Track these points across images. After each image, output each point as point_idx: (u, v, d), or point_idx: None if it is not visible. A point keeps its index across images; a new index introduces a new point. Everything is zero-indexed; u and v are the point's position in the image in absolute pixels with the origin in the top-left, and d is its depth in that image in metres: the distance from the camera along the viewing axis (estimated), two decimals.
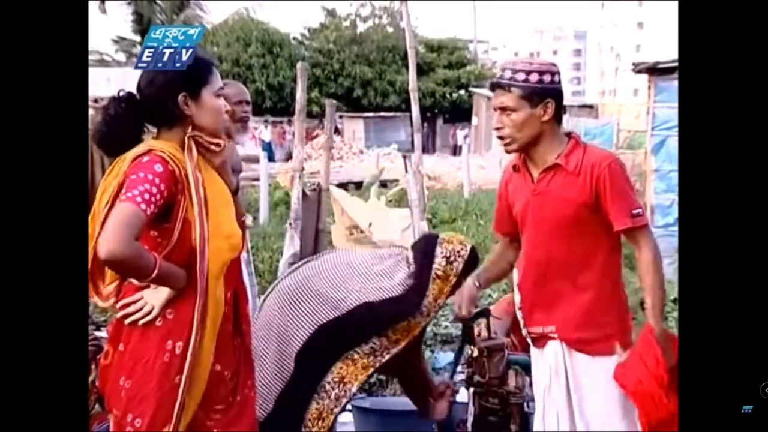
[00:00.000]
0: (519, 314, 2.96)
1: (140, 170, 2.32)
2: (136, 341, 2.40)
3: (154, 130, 2.51)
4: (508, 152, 2.88)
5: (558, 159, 2.78)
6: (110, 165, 2.44)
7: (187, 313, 2.37)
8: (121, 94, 2.47)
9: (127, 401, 2.38)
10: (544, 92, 2.74)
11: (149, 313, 2.38)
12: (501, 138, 2.82)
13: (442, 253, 3.19)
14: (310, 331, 3.11)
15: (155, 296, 2.39)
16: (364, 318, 3.10)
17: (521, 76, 2.74)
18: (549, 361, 2.87)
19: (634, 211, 2.74)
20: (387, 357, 3.14)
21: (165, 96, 2.42)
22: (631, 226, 2.73)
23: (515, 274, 2.99)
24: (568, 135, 2.86)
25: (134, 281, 2.41)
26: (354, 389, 3.14)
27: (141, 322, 2.39)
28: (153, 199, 2.29)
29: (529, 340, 2.98)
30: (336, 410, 3.11)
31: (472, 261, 3.24)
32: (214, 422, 2.47)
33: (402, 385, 3.67)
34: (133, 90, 2.49)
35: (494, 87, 2.81)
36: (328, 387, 3.10)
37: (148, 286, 2.40)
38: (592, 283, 2.79)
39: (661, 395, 2.65)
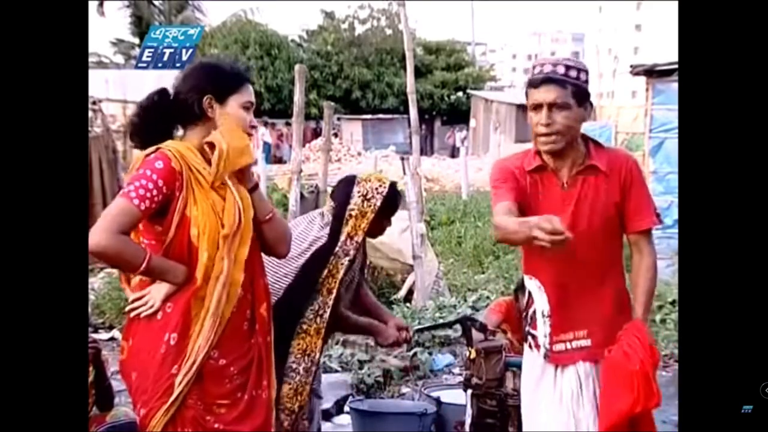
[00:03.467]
0: (545, 322, 2.79)
1: (142, 167, 2.41)
2: (141, 335, 2.49)
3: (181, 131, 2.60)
4: (549, 151, 2.70)
5: (591, 160, 2.72)
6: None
7: (183, 305, 2.45)
8: (157, 89, 2.59)
9: (135, 391, 2.49)
10: (587, 93, 2.71)
11: (151, 307, 2.47)
12: (548, 135, 2.67)
13: (359, 192, 3.20)
14: None
15: (158, 290, 2.47)
16: (297, 288, 3.11)
17: (574, 73, 2.67)
18: (577, 369, 2.77)
19: (657, 211, 2.75)
20: (329, 311, 3.14)
21: (192, 93, 2.52)
22: (654, 226, 2.73)
23: (531, 283, 2.83)
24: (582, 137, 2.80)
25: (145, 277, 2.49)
26: (317, 356, 3.16)
27: (143, 315, 2.47)
28: (149, 194, 2.37)
29: (541, 352, 2.80)
30: (309, 379, 3.12)
31: (392, 198, 3.25)
32: (215, 417, 2.49)
33: (341, 328, 3.61)
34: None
35: (546, 81, 2.66)
36: (294, 365, 3.12)
37: (155, 282, 2.48)
38: (615, 284, 2.78)
39: (655, 381, 2.63)
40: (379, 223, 3.24)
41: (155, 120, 2.54)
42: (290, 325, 3.13)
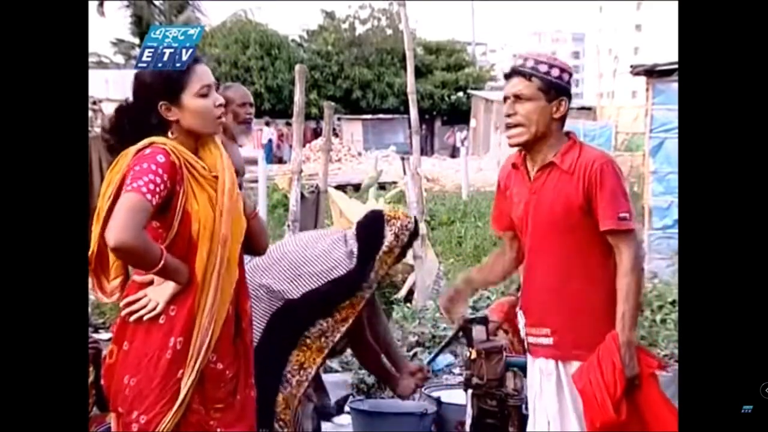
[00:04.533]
0: (520, 314, 2.95)
1: (143, 161, 2.34)
2: (140, 339, 2.41)
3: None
4: (514, 144, 2.80)
5: (554, 157, 2.75)
6: (109, 165, 2.46)
7: (187, 308, 2.40)
8: (124, 104, 2.52)
9: (133, 398, 2.40)
10: (560, 89, 2.73)
11: (154, 309, 2.40)
12: (510, 126, 2.76)
13: (390, 230, 3.29)
14: (262, 326, 3.17)
15: (159, 292, 2.41)
16: (306, 303, 3.18)
17: (544, 68, 2.71)
18: (540, 366, 2.87)
19: (621, 214, 2.68)
20: (338, 336, 3.22)
21: (147, 107, 2.45)
22: (615, 228, 2.68)
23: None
24: (567, 134, 2.83)
25: (137, 278, 2.44)
26: (313, 372, 3.22)
27: (146, 318, 2.40)
28: (157, 189, 2.32)
29: (525, 345, 2.97)
30: (299, 395, 3.19)
31: (415, 233, 3.37)
32: (216, 421, 2.48)
33: (361, 359, 3.75)
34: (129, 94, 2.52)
35: (513, 74, 2.76)
36: (288, 376, 3.18)
37: (151, 284, 2.42)
38: (587, 287, 2.76)
39: (605, 401, 2.62)
40: (400, 255, 3.35)
41: (128, 134, 2.47)
42: (292, 334, 3.18)
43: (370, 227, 3.33)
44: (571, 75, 2.78)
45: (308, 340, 3.19)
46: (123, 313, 2.46)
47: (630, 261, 2.69)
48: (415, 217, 3.43)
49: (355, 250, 3.26)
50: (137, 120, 2.47)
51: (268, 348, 3.12)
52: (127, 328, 2.45)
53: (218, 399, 2.48)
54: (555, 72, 2.72)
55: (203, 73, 2.49)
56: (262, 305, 3.19)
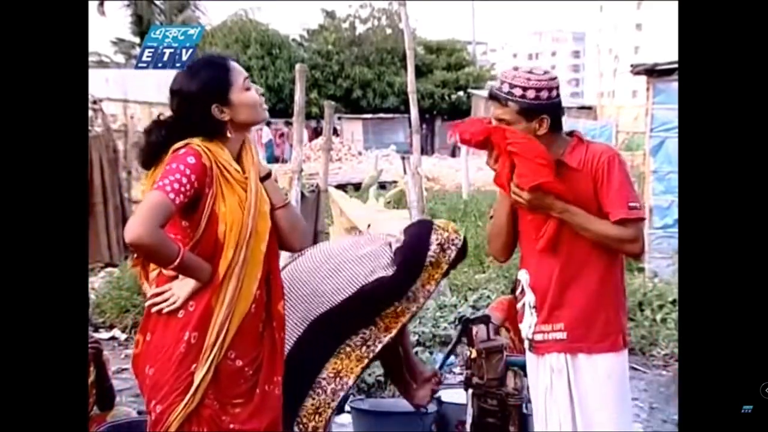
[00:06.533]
0: (532, 313, 2.91)
1: (174, 161, 2.41)
2: (160, 331, 2.48)
3: None
4: None
5: (561, 156, 2.79)
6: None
7: (204, 304, 2.45)
8: (161, 119, 2.55)
9: (150, 388, 2.48)
10: (540, 108, 2.74)
11: (174, 303, 2.46)
12: None
13: (436, 240, 3.19)
14: (302, 328, 3.11)
15: (182, 287, 2.47)
16: (352, 308, 3.10)
17: (518, 92, 2.73)
18: (550, 362, 2.86)
19: (631, 203, 2.75)
20: (379, 346, 3.14)
21: (199, 114, 2.48)
22: (626, 217, 2.73)
23: (523, 275, 2.94)
24: (571, 134, 2.86)
25: (165, 271, 2.49)
26: (350, 382, 3.14)
27: (165, 311, 2.47)
28: (183, 189, 2.37)
29: (526, 344, 2.96)
30: (333, 404, 3.11)
31: (464, 250, 3.27)
32: (231, 417, 2.51)
33: (385, 365, 3.69)
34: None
35: (491, 98, 2.81)
36: (323, 383, 3.10)
37: (177, 278, 2.47)
38: (597, 281, 2.80)
39: (546, 164, 2.69)
40: (447, 271, 3.26)
41: (167, 149, 2.49)
42: (331, 341, 3.11)
43: (416, 233, 3.24)
44: (552, 89, 2.77)
45: (348, 348, 3.12)
46: (147, 304, 2.53)
47: (631, 235, 2.73)
48: (465, 236, 3.30)
49: (399, 255, 3.17)
50: (181, 133, 2.49)
51: (305, 353, 3.06)
52: (151, 320, 2.51)
53: (236, 395, 2.52)
54: (530, 94, 2.73)
55: (241, 68, 2.57)
56: (303, 308, 3.12)
